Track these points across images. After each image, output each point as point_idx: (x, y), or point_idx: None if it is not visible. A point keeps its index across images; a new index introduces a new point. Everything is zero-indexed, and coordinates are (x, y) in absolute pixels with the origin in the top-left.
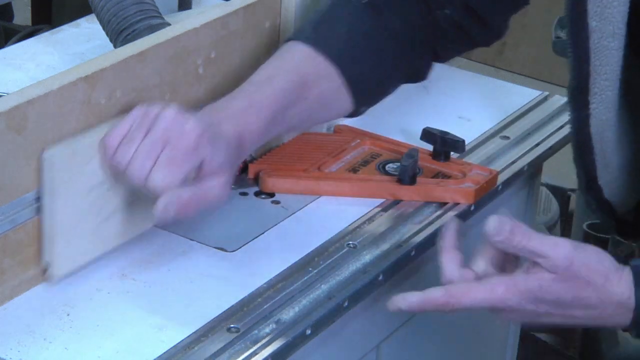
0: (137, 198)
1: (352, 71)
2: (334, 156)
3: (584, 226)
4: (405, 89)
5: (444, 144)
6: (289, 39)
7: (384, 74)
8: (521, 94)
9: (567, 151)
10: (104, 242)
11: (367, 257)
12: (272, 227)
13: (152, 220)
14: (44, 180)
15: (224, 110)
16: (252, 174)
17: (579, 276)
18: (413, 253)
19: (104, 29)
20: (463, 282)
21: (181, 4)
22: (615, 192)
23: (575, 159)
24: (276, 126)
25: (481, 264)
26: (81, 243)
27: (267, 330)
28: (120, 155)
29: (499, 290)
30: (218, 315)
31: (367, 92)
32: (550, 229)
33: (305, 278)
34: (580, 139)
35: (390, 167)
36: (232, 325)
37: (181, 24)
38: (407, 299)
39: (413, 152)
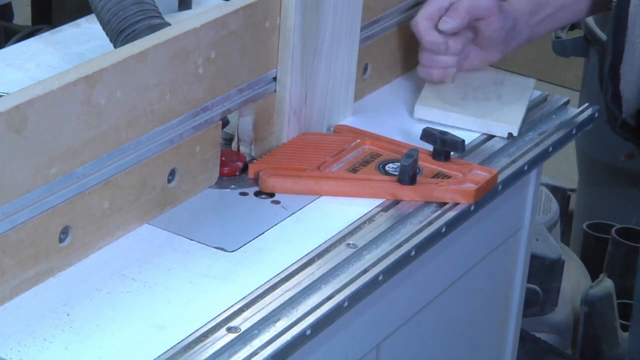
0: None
1: None
2: (334, 156)
3: (584, 226)
4: (405, 89)
5: (444, 144)
6: None
7: None
8: None
9: (567, 151)
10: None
11: (367, 257)
12: (272, 227)
13: None
14: None
15: None
16: (252, 174)
17: None
18: (413, 253)
19: (104, 29)
20: None
21: (181, 4)
22: (628, 87)
23: (609, 37)
24: (537, 17)
25: None
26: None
27: (267, 330)
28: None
29: None
30: (218, 315)
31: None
32: (550, 229)
33: (305, 278)
34: (619, 17)
35: (390, 167)
36: (232, 325)
37: (181, 24)
38: None
39: (413, 152)
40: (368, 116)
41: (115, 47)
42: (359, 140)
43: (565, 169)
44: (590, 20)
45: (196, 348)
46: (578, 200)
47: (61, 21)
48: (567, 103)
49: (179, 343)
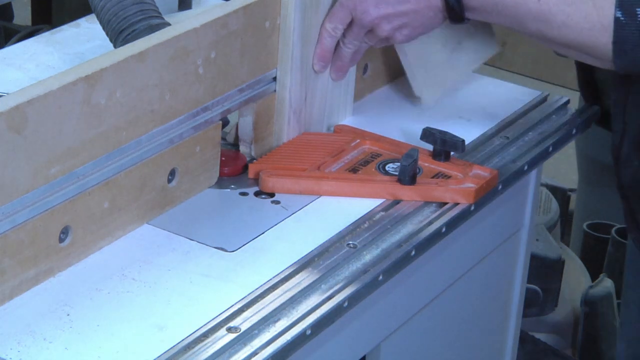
0: (477, 30)
1: None
2: (334, 156)
3: (584, 226)
4: (405, 89)
5: (444, 144)
6: None
7: None
8: (521, 94)
9: (567, 151)
10: (457, 70)
11: (367, 257)
12: (272, 227)
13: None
14: None
15: None
16: (252, 174)
17: None
18: (413, 253)
19: (104, 29)
20: None
21: (181, 4)
22: None
23: None
24: None
25: None
26: (438, 72)
27: (267, 330)
28: None
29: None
30: (218, 315)
31: None
32: (550, 229)
33: (305, 278)
34: None
35: (390, 167)
36: (232, 325)
37: (181, 24)
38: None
39: (413, 152)
40: (368, 116)
41: (115, 47)
42: (359, 140)
43: (565, 169)
44: None
45: (196, 348)
46: (578, 200)
47: (61, 21)
48: (567, 103)
49: (179, 343)
